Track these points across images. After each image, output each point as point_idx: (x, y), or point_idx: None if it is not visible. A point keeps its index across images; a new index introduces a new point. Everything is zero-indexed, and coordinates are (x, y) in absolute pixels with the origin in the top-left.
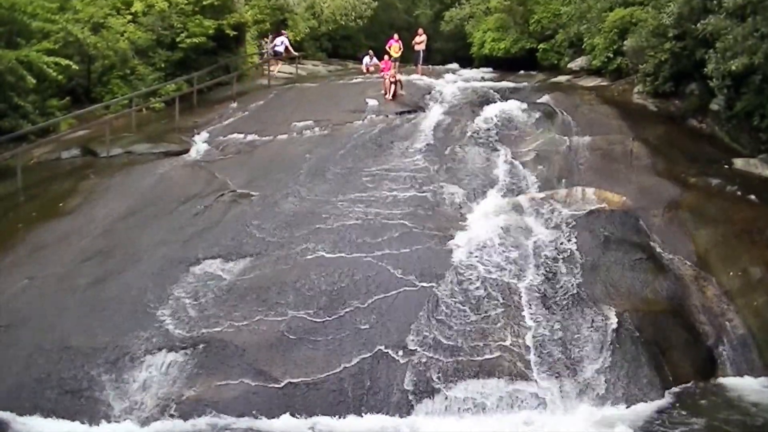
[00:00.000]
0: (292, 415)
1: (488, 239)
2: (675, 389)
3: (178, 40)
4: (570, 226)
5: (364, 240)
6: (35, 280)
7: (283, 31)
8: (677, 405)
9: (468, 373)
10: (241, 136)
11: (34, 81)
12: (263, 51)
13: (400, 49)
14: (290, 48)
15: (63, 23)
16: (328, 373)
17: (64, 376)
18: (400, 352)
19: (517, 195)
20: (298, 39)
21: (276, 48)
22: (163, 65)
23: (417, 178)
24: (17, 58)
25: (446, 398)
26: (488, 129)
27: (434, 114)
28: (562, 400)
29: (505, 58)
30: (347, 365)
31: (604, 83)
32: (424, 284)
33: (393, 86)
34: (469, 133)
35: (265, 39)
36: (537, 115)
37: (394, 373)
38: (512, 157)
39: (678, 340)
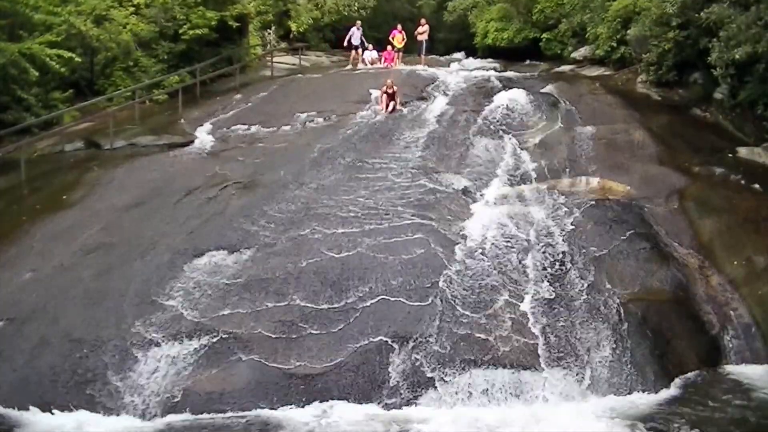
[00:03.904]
0: (299, 404)
1: (492, 228)
2: (680, 378)
3: (180, 31)
4: (574, 215)
5: (368, 230)
6: (39, 272)
7: (358, 21)
8: (682, 394)
9: (473, 363)
10: (245, 127)
11: (36, 74)
12: (266, 42)
13: (403, 39)
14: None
15: (65, 15)
16: (334, 363)
17: (69, 369)
18: (406, 342)
19: (521, 184)
20: (301, 30)
21: (352, 39)
22: (166, 57)
23: (421, 168)
24: (20, 50)
25: (451, 388)
26: (492, 119)
27: (438, 104)
28: (566, 389)
29: (508, 48)
30: (353, 355)
31: (608, 73)
32: (429, 274)
33: (390, 101)
34: (472, 123)
35: (268, 30)
36: (541, 104)
37: (400, 363)
38: (516, 147)
39: (682, 329)
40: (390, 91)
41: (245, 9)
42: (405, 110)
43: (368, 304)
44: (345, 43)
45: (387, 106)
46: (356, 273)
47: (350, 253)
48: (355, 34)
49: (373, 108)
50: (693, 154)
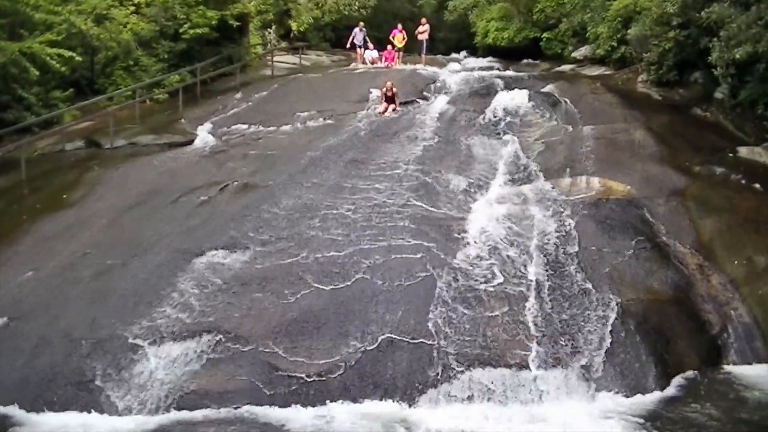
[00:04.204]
0: (299, 404)
1: (493, 228)
2: (680, 378)
3: (181, 31)
4: (574, 215)
5: (369, 230)
6: (39, 272)
7: (361, 23)
8: (682, 393)
9: (471, 362)
10: (245, 126)
11: (37, 73)
12: (267, 41)
13: (403, 39)
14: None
15: (66, 15)
16: (334, 363)
17: (69, 369)
18: (405, 342)
19: (521, 184)
20: (301, 29)
21: (355, 40)
22: (166, 56)
23: (422, 168)
24: (20, 50)
25: (450, 388)
26: (492, 118)
27: (438, 103)
28: (566, 389)
29: (508, 47)
30: (353, 355)
31: (608, 72)
32: (429, 274)
33: (390, 104)
34: (473, 123)
35: (269, 30)
36: (541, 104)
37: (399, 363)
38: (516, 146)
39: (683, 329)
40: (389, 93)
41: (246, 8)
42: (403, 110)
43: (368, 305)
44: (348, 45)
45: (385, 109)
46: (357, 273)
47: (350, 254)
48: (358, 35)
49: (374, 107)
50: (693, 153)
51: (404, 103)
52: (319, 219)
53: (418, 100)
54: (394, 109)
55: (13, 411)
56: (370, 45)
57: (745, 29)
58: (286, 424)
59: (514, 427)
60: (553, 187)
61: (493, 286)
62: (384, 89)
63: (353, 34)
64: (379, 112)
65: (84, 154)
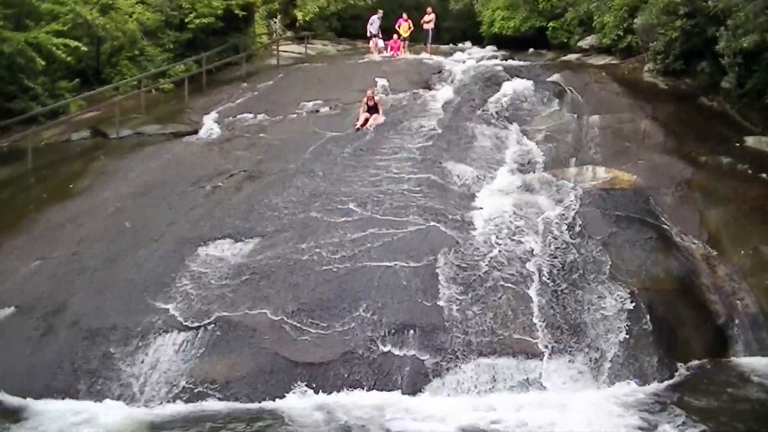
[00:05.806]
0: (302, 394)
1: (499, 218)
2: (685, 368)
3: (186, 20)
4: (580, 204)
5: (375, 219)
6: (46, 261)
7: (380, 11)
8: (687, 384)
9: (478, 351)
10: (251, 116)
11: (43, 63)
12: (272, 31)
13: (409, 28)
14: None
15: (71, 4)
16: (338, 353)
17: (76, 358)
18: (411, 331)
19: (527, 173)
20: (306, 19)
21: (371, 27)
22: (171, 46)
23: (427, 157)
24: (26, 40)
25: (456, 377)
26: (498, 108)
27: (444, 93)
28: (571, 378)
29: (514, 36)
30: (357, 344)
31: (614, 61)
32: (435, 263)
33: (372, 114)
34: (478, 112)
35: (274, 19)
36: (547, 93)
37: (404, 353)
38: (522, 136)
39: (688, 319)
40: (371, 102)
41: None
42: (411, 96)
43: (373, 294)
44: (368, 34)
45: (366, 121)
46: (363, 262)
47: (356, 243)
48: (375, 23)
49: (379, 96)
50: (700, 143)
51: (409, 93)
52: (325, 208)
53: (423, 89)
54: (376, 120)
55: (20, 399)
56: (378, 34)
57: (752, 18)
58: (290, 413)
59: (520, 416)
60: (558, 177)
61: (500, 275)
62: (365, 98)
63: (371, 21)
64: (358, 127)
65: (90, 144)
